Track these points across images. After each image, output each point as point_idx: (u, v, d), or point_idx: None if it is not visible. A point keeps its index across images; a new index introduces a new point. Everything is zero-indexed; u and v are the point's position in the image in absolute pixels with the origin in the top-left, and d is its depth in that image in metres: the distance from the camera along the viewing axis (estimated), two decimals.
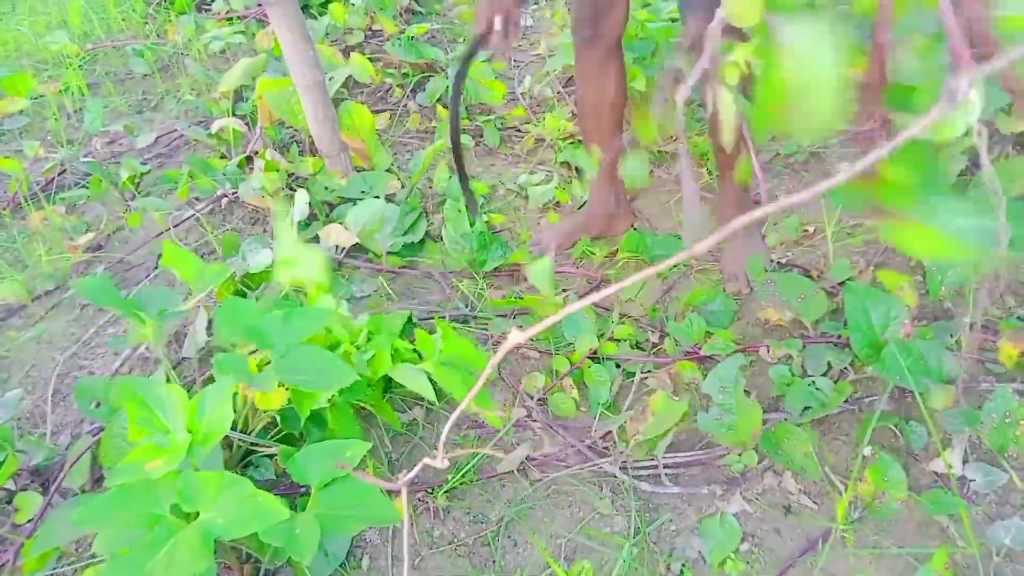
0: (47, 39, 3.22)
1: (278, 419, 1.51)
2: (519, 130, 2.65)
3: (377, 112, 2.66)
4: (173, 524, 1.10)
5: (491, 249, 2.07)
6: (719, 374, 1.58)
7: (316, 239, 2.11)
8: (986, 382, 1.63)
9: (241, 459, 1.54)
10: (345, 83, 2.76)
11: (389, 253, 2.09)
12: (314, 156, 2.37)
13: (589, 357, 1.79)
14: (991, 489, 1.46)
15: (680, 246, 2.08)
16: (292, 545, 1.16)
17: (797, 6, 0.66)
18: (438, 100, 2.73)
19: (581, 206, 2.25)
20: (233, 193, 2.30)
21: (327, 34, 3.06)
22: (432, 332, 1.53)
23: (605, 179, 2.08)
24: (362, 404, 1.64)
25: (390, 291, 2.02)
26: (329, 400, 1.42)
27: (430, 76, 2.82)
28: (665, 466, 1.59)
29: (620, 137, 2.02)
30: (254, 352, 1.47)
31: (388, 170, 2.38)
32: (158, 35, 3.34)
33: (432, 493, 1.56)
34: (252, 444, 1.51)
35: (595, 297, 0.51)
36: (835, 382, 1.64)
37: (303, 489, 1.52)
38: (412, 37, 2.90)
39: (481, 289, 2.02)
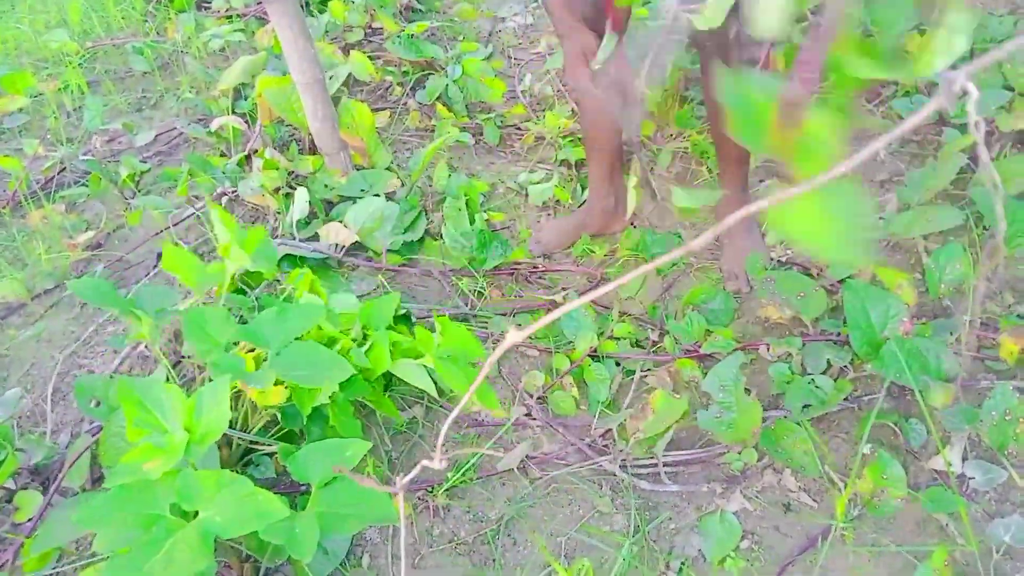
0: (47, 37, 3.21)
1: (279, 417, 1.51)
2: (519, 128, 2.65)
3: (377, 110, 2.66)
4: (173, 523, 1.10)
5: (491, 247, 2.07)
6: (719, 372, 1.58)
7: (316, 237, 2.10)
8: (986, 380, 1.63)
9: (241, 457, 1.54)
10: (345, 81, 2.76)
11: (389, 251, 2.09)
12: (314, 154, 2.36)
13: (589, 355, 1.79)
14: (991, 487, 1.46)
15: (679, 243, 2.08)
16: (292, 544, 1.16)
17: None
18: (438, 98, 2.72)
19: (581, 204, 2.25)
20: (233, 191, 2.30)
21: (327, 32, 3.06)
22: (432, 330, 1.53)
23: (604, 177, 2.08)
24: (362, 401, 1.64)
25: (389, 289, 2.02)
26: (330, 397, 1.42)
27: (430, 74, 2.82)
28: (665, 464, 1.60)
29: (620, 136, 2.02)
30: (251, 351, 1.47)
31: (388, 168, 2.37)
32: (158, 33, 3.34)
33: (432, 492, 1.57)
34: (252, 442, 1.51)
35: (594, 295, 0.51)
36: (835, 380, 1.64)
37: (303, 487, 1.52)
38: (412, 35, 2.90)
39: (481, 288, 2.02)
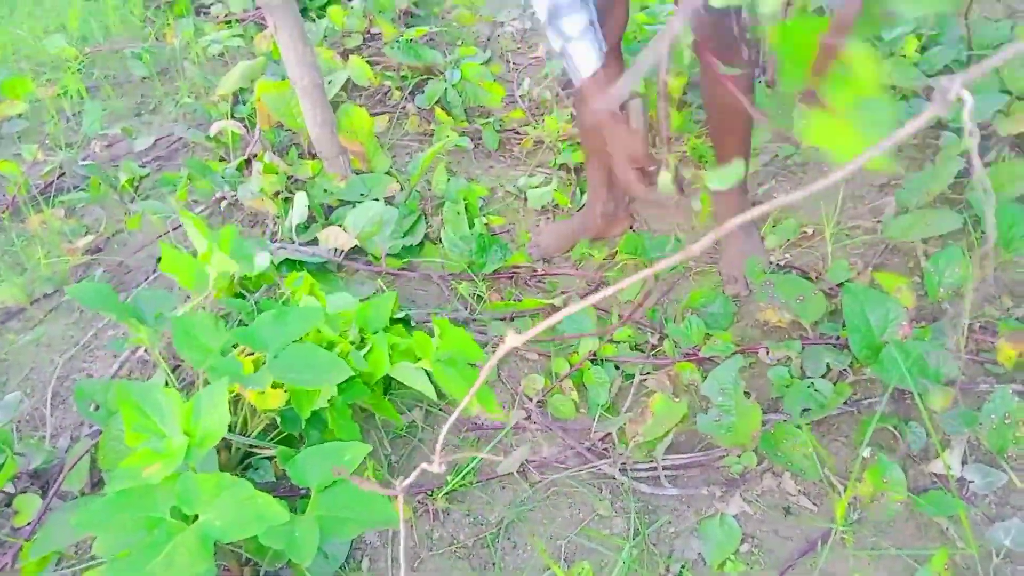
0: (45, 42, 3.22)
1: (278, 421, 1.51)
2: (518, 132, 2.65)
3: (376, 115, 2.66)
4: (172, 527, 1.10)
5: (490, 251, 2.07)
6: (718, 376, 1.58)
7: (315, 241, 2.11)
8: (985, 383, 1.63)
9: (240, 461, 1.54)
10: (344, 86, 2.76)
11: (388, 255, 2.09)
12: (313, 159, 2.37)
13: (588, 359, 1.79)
14: (990, 490, 1.46)
15: (678, 247, 2.08)
16: (292, 547, 1.16)
17: None
18: (436, 103, 2.73)
19: (580, 208, 2.26)
20: (232, 196, 2.30)
21: (325, 37, 3.07)
22: (431, 334, 1.53)
23: (604, 181, 2.08)
24: (362, 405, 1.64)
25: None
26: (329, 401, 1.42)
27: (429, 79, 2.82)
28: (664, 468, 1.60)
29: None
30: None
31: (387, 173, 2.38)
32: (156, 38, 3.34)
33: (431, 495, 1.56)
34: (251, 446, 1.51)
35: (594, 299, 0.51)
36: (834, 383, 1.64)
37: (303, 491, 1.52)
38: (411, 40, 2.91)
39: (480, 292, 2.02)
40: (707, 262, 2.07)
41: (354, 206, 2.16)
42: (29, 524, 1.46)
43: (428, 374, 1.54)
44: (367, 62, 2.77)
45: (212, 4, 3.52)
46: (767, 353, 1.74)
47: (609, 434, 1.66)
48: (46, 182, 2.51)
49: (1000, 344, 1.61)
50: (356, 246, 2.09)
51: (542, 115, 2.67)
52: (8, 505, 1.53)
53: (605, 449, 1.65)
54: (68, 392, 1.81)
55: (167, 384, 1.55)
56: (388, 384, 1.72)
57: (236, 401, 1.47)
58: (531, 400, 1.75)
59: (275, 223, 2.23)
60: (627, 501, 1.55)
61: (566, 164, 2.43)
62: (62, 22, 3.49)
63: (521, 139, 2.61)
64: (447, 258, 2.11)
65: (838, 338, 1.74)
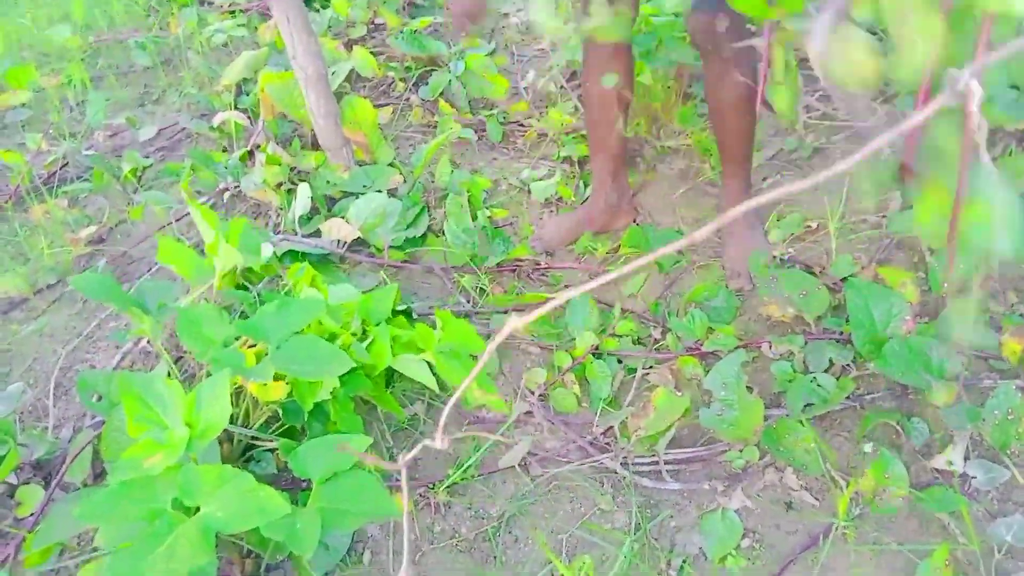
0: (50, 32, 3.21)
1: (280, 413, 1.51)
2: (522, 125, 2.64)
3: (379, 106, 2.65)
4: (174, 518, 1.10)
5: (493, 244, 2.07)
6: (721, 370, 1.58)
7: (317, 233, 2.10)
8: (988, 379, 1.62)
9: (242, 453, 1.54)
10: (348, 77, 2.75)
11: (391, 247, 2.09)
12: (316, 150, 2.36)
13: (590, 352, 1.79)
14: (992, 486, 1.46)
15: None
16: (293, 539, 1.16)
17: None
18: (440, 94, 2.72)
19: (583, 201, 2.25)
20: (235, 186, 2.30)
21: (329, 27, 3.06)
22: (433, 326, 1.53)
23: (608, 174, 2.07)
24: (364, 398, 1.64)
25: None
26: (331, 393, 1.42)
27: (433, 70, 2.81)
28: (666, 462, 1.59)
29: (623, 133, 2.02)
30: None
31: (390, 164, 2.37)
32: (160, 28, 3.34)
33: (433, 488, 1.57)
34: (253, 438, 1.51)
35: (594, 284, 0.51)
36: (837, 378, 1.64)
37: (304, 483, 1.52)
38: (415, 31, 2.90)
39: (483, 284, 2.01)
40: (710, 256, 2.06)
41: (357, 198, 2.16)
42: (32, 515, 1.47)
43: (430, 366, 1.54)
44: (371, 53, 2.76)
45: None
46: (770, 348, 1.74)
47: (611, 428, 1.66)
48: (49, 172, 2.51)
49: (1004, 340, 1.60)
50: (359, 238, 2.09)
51: (546, 107, 2.66)
52: (11, 496, 1.54)
53: (607, 443, 1.65)
54: (71, 383, 1.81)
55: (169, 375, 1.55)
56: (390, 377, 1.72)
57: (238, 393, 1.47)
58: (533, 394, 1.74)
59: (278, 214, 2.22)
60: (629, 495, 1.55)
61: (570, 157, 2.42)
62: (66, 12, 3.49)
63: (525, 131, 2.60)
64: (450, 251, 2.11)
65: (841, 333, 1.73)
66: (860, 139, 2.28)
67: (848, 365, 1.68)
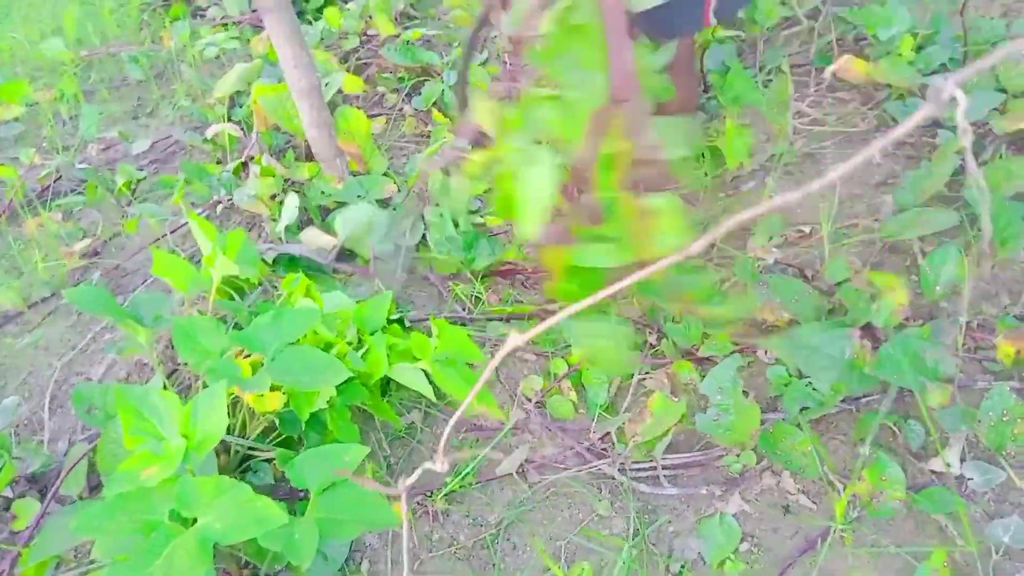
0: (42, 46, 3.22)
1: (277, 423, 1.51)
2: None
3: (373, 116, 2.66)
4: (171, 530, 1.10)
5: (478, 247, 2.06)
6: (717, 375, 1.58)
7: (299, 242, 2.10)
8: (983, 381, 1.63)
9: (239, 464, 1.54)
10: (341, 88, 2.76)
11: (376, 259, 2.08)
12: (310, 161, 2.37)
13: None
14: (989, 487, 1.46)
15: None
16: (291, 549, 1.16)
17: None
18: (433, 104, 2.73)
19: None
20: (228, 199, 2.30)
21: (322, 39, 3.07)
22: (428, 335, 1.53)
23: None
24: (361, 407, 1.64)
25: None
26: (328, 402, 1.42)
27: (425, 80, 2.82)
28: (664, 467, 1.60)
29: None
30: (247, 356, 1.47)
31: (384, 174, 2.37)
32: (153, 41, 3.34)
33: (431, 496, 1.56)
34: (250, 449, 1.51)
35: (591, 301, 0.51)
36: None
37: (302, 493, 1.52)
38: (407, 41, 2.91)
39: (478, 293, 2.02)
40: (704, 260, 2.07)
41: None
42: (28, 528, 1.46)
43: (427, 375, 1.54)
44: (363, 63, 2.77)
45: (208, 7, 3.52)
46: (765, 352, 1.75)
47: (608, 434, 1.66)
48: (43, 186, 2.51)
49: (998, 341, 1.61)
50: (352, 249, 2.09)
51: None
52: (6, 509, 1.53)
53: (604, 449, 1.65)
54: (66, 396, 1.81)
55: (165, 387, 1.55)
56: (387, 386, 1.72)
57: (234, 404, 1.47)
58: (530, 401, 1.75)
59: (272, 226, 2.23)
60: (626, 501, 1.55)
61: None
62: (58, 25, 3.49)
63: None
64: (436, 260, 2.11)
65: None
66: (850, 144, 2.30)
67: None
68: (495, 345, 1.88)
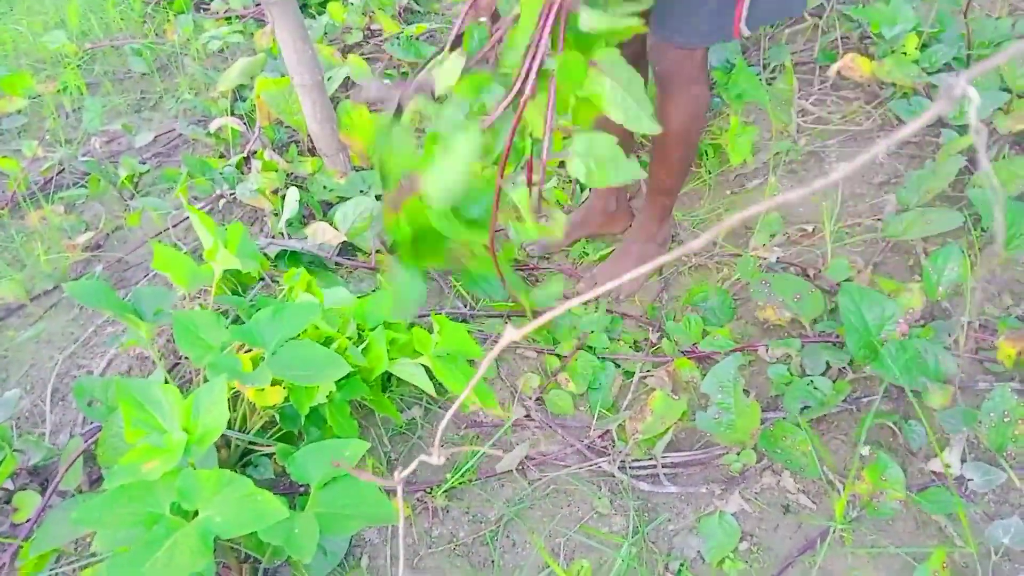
0: (45, 39, 3.21)
1: (277, 418, 1.51)
2: None
3: (376, 112, 2.65)
4: (172, 523, 1.10)
5: None
6: (718, 373, 1.58)
7: (304, 238, 2.10)
8: (984, 381, 1.63)
9: (240, 458, 1.54)
10: (344, 83, 2.76)
11: (378, 251, 2.09)
12: (313, 156, 2.36)
13: (596, 356, 1.79)
14: (989, 488, 1.46)
15: (675, 246, 2.08)
16: (291, 544, 1.16)
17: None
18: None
19: (580, 205, 2.25)
20: (231, 193, 2.30)
21: (325, 33, 3.06)
22: (430, 331, 1.53)
23: None
24: (362, 402, 1.64)
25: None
26: (327, 397, 1.42)
27: None
28: (664, 465, 1.60)
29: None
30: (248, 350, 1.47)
31: None
32: (156, 34, 3.34)
33: (431, 492, 1.57)
34: (250, 443, 1.51)
35: (586, 297, 0.51)
36: (833, 381, 1.64)
37: (302, 488, 1.52)
38: (411, 36, 2.90)
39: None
40: (704, 257, 2.07)
41: None
42: (28, 521, 1.46)
43: (427, 371, 1.54)
44: (366, 59, 2.76)
45: (212, 0, 3.52)
46: (766, 351, 1.75)
47: (608, 431, 1.66)
48: (46, 178, 2.51)
49: (1000, 342, 1.61)
50: (354, 243, 2.09)
51: None
52: (7, 502, 1.53)
53: (604, 447, 1.65)
54: (68, 389, 1.81)
55: (166, 381, 1.55)
56: (387, 381, 1.72)
57: (235, 398, 1.48)
58: (530, 398, 1.75)
59: (274, 220, 2.23)
60: (626, 499, 1.55)
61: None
62: (62, 18, 3.49)
63: None
64: None
65: (837, 336, 1.74)
66: (854, 142, 2.29)
67: (844, 368, 1.68)
68: (495, 342, 1.88)
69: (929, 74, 2.30)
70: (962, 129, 2.15)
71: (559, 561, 1.46)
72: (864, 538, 1.43)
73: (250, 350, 1.44)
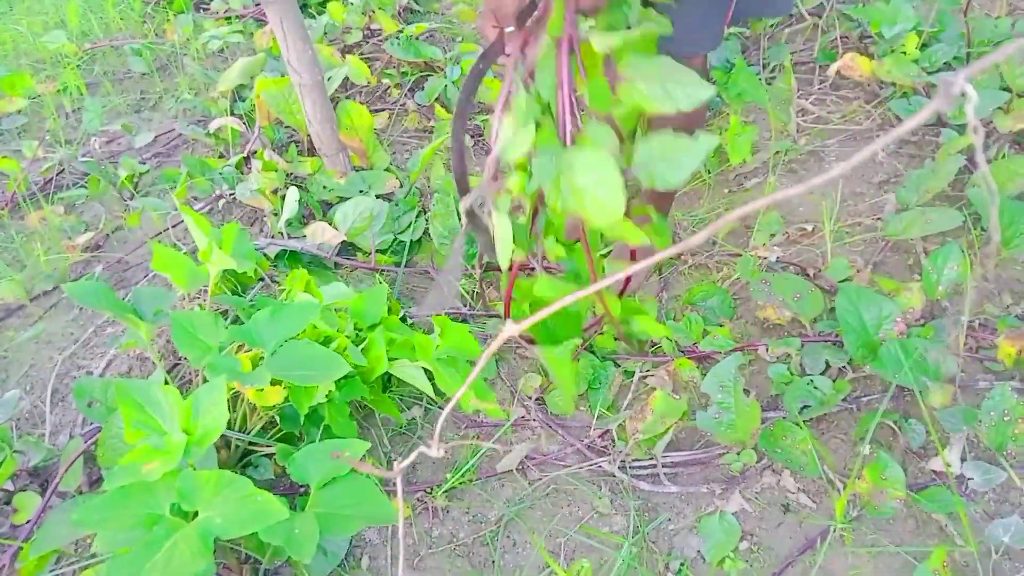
0: (45, 39, 3.21)
1: (277, 418, 1.51)
2: None
3: (375, 111, 2.66)
4: (173, 523, 1.10)
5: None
6: (718, 373, 1.58)
7: (304, 238, 2.10)
8: (984, 380, 1.63)
9: (240, 459, 1.54)
10: (343, 83, 2.76)
11: (379, 251, 2.08)
12: (313, 156, 2.36)
13: (597, 356, 1.79)
14: (989, 487, 1.46)
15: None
16: (291, 544, 1.16)
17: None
18: (436, 99, 2.73)
19: None
20: (230, 193, 2.30)
21: (325, 33, 3.06)
22: (430, 331, 1.53)
23: None
24: (362, 402, 1.64)
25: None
26: (327, 397, 1.42)
27: (428, 75, 2.82)
28: (664, 465, 1.60)
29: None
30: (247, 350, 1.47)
31: (387, 169, 2.37)
32: (156, 34, 3.34)
33: (431, 492, 1.57)
34: (250, 444, 1.51)
35: (586, 292, 0.51)
36: (833, 381, 1.64)
37: (302, 488, 1.52)
38: (411, 36, 2.90)
39: (479, 289, 2.02)
40: (703, 256, 2.07)
41: None
42: (28, 522, 1.46)
43: (427, 372, 1.54)
44: (366, 59, 2.76)
45: (212, 0, 3.52)
46: (766, 350, 1.75)
47: (609, 431, 1.66)
48: (46, 178, 2.51)
49: (999, 341, 1.61)
50: (354, 243, 2.09)
51: None
52: (7, 503, 1.53)
53: (605, 447, 1.65)
54: (68, 389, 1.81)
55: (166, 382, 1.55)
56: (388, 381, 1.72)
57: (235, 398, 1.47)
58: (530, 398, 1.75)
59: (273, 220, 2.23)
60: (627, 498, 1.55)
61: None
62: (61, 18, 3.49)
63: None
64: (437, 253, 2.11)
65: (837, 335, 1.74)
66: (854, 142, 2.29)
67: (844, 367, 1.68)
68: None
69: (929, 73, 2.30)
70: (962, 128, 2.15)
71: (559, 561, 1.46)
72: (864, 537, 1.43)
73: (249, 350, 1.44)
